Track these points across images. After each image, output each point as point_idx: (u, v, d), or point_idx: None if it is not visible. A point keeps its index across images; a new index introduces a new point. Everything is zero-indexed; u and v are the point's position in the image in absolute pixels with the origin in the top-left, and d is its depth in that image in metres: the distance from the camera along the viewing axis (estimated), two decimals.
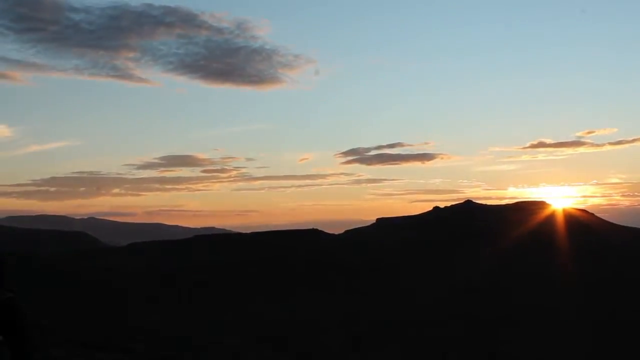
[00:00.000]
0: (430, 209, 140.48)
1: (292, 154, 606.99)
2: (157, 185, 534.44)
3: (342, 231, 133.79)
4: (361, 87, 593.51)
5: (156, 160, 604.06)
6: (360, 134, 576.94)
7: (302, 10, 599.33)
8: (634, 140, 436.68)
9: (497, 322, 60.99)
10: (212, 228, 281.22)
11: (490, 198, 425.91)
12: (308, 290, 77.70)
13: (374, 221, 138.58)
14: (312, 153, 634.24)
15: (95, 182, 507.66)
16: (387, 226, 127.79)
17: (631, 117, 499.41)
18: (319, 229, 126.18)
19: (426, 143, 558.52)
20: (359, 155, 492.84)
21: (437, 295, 74.18)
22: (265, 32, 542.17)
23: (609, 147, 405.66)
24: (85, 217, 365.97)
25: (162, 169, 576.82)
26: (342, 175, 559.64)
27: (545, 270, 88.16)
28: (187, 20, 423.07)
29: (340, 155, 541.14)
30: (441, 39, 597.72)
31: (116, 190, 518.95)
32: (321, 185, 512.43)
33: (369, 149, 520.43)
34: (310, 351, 46.11)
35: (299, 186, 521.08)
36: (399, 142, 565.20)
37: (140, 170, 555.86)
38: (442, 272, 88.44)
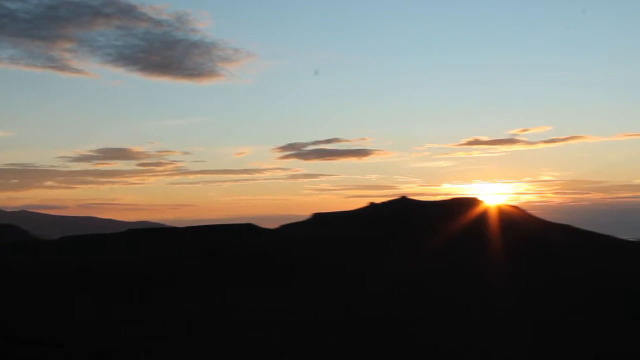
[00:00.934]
0: (366, 204, 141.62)
1: (229, 148, 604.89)
2: (91, 178, 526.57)
3: (277, 226, 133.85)
4: (300, 82, 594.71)
5: (91, 153, 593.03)
6: (298, 129, 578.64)
7: (243, 4, 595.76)
8: (567, 139, 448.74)
9: (423, 318, 61.74)
10: (146, 222, 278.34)
11: (425, 194, 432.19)
12: (241, 285, 77.48)
13: (310, 216, 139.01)
14: (249, 147, 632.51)
15: (27, 175, 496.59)
16: (323, 221, 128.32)
17: (565, 116, 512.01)
18: (255, 223, 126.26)
19: (363, 139, 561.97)
20: (296, 150, 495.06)
21: (372, 292, 74.80)
22: (205, 25, 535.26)
23: (542, 145, 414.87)
24: (17, 210, 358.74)
25: (97, 161, 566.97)
26: (278, 170, 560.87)
27: (476, 266, 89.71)
28: (126, 11, 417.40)
29: (278, 150, 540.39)
30: (379, 36, 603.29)
31: (49, 183, 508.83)
32: (258, 179, 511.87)
33: (306, 144, 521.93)
34: (240, 349, 46.06)
35: (235, 180, 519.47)
36: (336, 138, 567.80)
37: (75, 163, 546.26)
38: (376, 269, 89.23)
